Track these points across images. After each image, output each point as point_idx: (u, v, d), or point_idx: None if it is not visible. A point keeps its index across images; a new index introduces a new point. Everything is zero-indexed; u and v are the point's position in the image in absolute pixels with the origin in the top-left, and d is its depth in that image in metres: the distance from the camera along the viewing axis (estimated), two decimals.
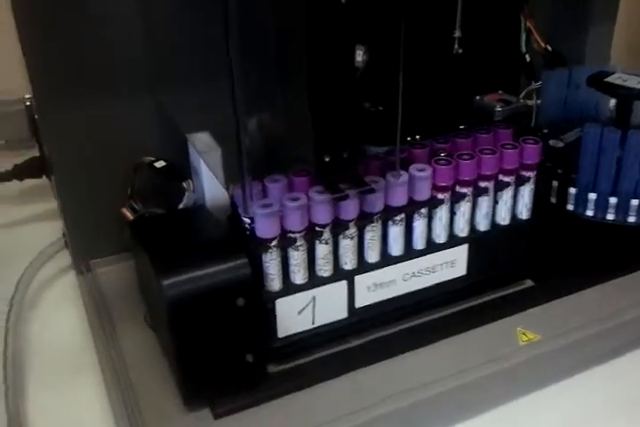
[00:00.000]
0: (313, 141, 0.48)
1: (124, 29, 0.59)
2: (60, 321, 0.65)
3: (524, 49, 0.69)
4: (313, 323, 0.54)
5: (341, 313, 0.55)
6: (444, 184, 0.54)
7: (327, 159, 0.48)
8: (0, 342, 0.60)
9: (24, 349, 0.62)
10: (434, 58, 0.63)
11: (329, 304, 0.53)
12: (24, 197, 0.81)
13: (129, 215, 0.59)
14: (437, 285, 0.58)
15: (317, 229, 0.50)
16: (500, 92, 0.71)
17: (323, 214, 0.50)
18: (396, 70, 0.49)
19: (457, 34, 0.64)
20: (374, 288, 0.55)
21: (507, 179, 0.56)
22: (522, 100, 0.70)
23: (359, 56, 0.49)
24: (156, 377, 0.54)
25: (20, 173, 0.76)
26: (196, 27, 0.55)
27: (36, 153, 0.69)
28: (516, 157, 0.55)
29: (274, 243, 0.49)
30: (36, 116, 0.62)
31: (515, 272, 0.62)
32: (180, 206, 0.59)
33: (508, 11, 0.68)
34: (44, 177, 0.71)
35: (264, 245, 0.49)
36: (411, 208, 0.53)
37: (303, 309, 0.53)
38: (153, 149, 0.62)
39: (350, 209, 0.50)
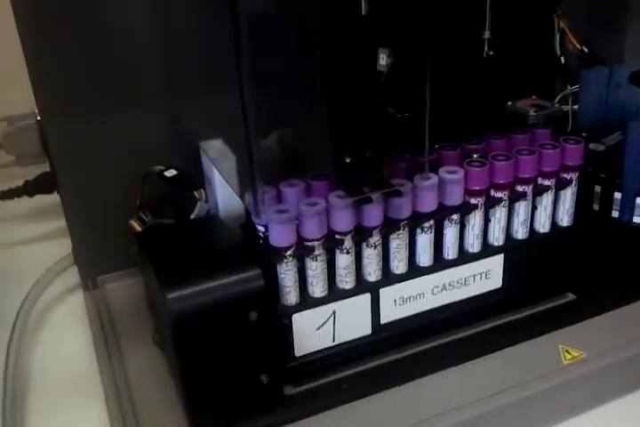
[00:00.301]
0: (331, 140, 0.44)
1: (134, 35, 0.55)
2: (65, 341, 0.61)
3: (558, 51, 0.66)
4: (333, 340, 0.49)
5: (365, 329, 0.50)
6: (477, 188, 0.49)
7: (348, 160, 0.44)
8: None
9: (27, 370, 0.58)
10: (463, 61, 0.60)
11: (351, 320, 0.49)
12: (36, 215, 0.78)
13: (137, 227, 0.56)
14: (470, 298, 0.53)
15: (338, 237, 0.46)
16: (533, 97, 0.68)
17: (343, 221, 0.45)
18: (422, 74, 0.45)
19: (486, 35, 0.61)
20: (401, 302, 0.50)
21: (546, 182, 0.52)
22: (557, 105, 0.66)
23: (382, 59, 0.45)
24: (162, 400, 0.49)
25: (30, 189, 0.73)
26: (211, 31, 0.52)
27: (47, 169, 0.66)
28: (557, 157, 0.51)
29: (289, 252, 0.45)
30: None
31: (554, 285, 0.57)
32: (192, 217, 0.55)
33: (539, 11, 0.65)
34: (56, 193, 0.67)
35: (279, 254, 0.45)
36: (441, 214, 0.49)
37: (322, 324, 0.48)
38: (164, 159, 0.59)
39: (374, 215, 0.46)
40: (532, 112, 0.65)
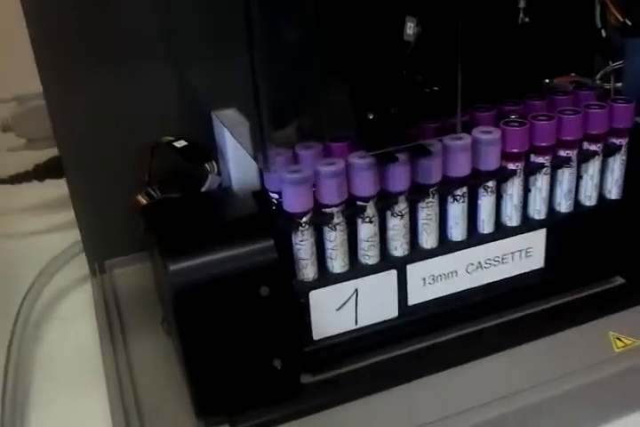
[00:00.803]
0: (350, 95, 0.39)
1: None
2: (72, 331, 0.57)
3: (599, 23, 0.60)
4: (356, 323, 0.44)
5: (391, 312, 0.45)
6: (515, 150, 0.44)
7: (370, 117, 0.39)
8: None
9: (31, 360, 0.54)
10: (497, 33, 0.55)
11: (375, 300, 0.44)
12: (46, 206, 0.75)
13: (143, 202, 0.51)
14: (509, 279, 0.47)
15: (359, 203, 0.41)
16: (572, 74, 0.62)
17: (365, 184, 0.40)
18: (453, 44, 0.41)
19: (522, 4, 0.56)
20: (431, 281, 0.45)
21: (593, 147, 0.46)
22: (598, 82, 0.61)
23: (410, 29, 0.41)
24: (168, 390, 0.45)
25: (40, 173, 0.70)
26: None
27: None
28: (605, 118, 0.45)
29: (305, 219, 0.40)
30: None
31: (602, 267, 0.51)
32: (203, 190, 0.51)
33: None
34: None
35: (294, 221, 0.40)
36: (475, 180, 0.44)
37: (343, 304, 0.43)
38: (174, 130, 0.54)
39: (400, 177, 0.41)
40: None
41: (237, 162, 0.49)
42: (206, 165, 0.51)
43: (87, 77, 0.52)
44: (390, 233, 0.43)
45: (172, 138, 0.53)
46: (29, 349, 0.55)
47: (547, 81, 0.61)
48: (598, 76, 0.60)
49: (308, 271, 0.42)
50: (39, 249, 0.67)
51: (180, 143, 0.53)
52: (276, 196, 0.42)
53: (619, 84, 0.59)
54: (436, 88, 0.49)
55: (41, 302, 0.60)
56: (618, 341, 0.46)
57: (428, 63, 0.43)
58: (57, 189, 0.65)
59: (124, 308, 0.54)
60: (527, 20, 0.55)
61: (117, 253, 0.59)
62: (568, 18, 0.60)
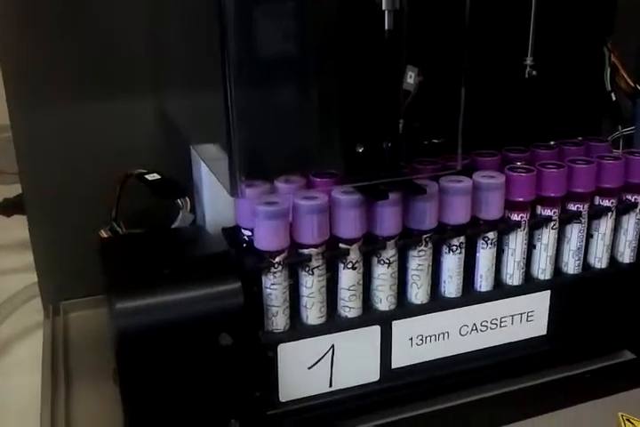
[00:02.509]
0: (340, 125, 0.35)
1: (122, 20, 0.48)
2: (20, 376, 0.51)
3: (608, 86, 0.57)
4: (330, 385, 0.38)
5: (371, 374, 0.39)
6: (520, 199, 0.39)
7: (360, 150, 0.35)
8: None
9: None
10: (503, 94, 0.52)
11: (354, 359, 0.38)
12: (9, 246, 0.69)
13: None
14: (506, 346, 0.42)
15: (342, 245, 0.36)
16: (579, 138, 0.59)
17: (350, 224, 0.36)
18: (455, 100, 0.38)
19: (528, 61, 0.53)
20: (419, 342, 0.40)
21: (606, 202, 0.42)
22: None
23: (410, 78, 0.38)
24: None
25: (7, 208, 0.65)
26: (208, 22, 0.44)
27: None
28: (620, 170, 0.41)
29: (279, 259, 0.35)
30: None
31: (610, 338, 0.46)
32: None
33: (588, 41, 0.57)
34: None
35: (265, 261, 0.35)
36: (474, 230, 0.39)
37: (317, 362, 0.38)
38: (147, 165, 0.50)
39: (390, 220, 0.36)
40: None
41: (213, 199, 0.45)
42: (179, 200, 0.47)
43: (56, 109, 0.49)
44: (376, 283, 0.38)
45: (144, 170, 0.49)
46: None
47: (552, 143, 0.58)
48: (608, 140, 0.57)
49: (279, 321, 0.36)
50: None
51: (153, 176, 0.49)
52: (248, 233, 0.37)
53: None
54: (435, 141, 0.45)
55: None
56: (628, 423, 0.41)
57: (428, 111, 0.40)
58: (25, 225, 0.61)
59: (74, 354, 0.49)
60: (535, 73, 0.52)
61: (75, 295, 0.54)
62: (576, 79, 0.57)
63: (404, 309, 0.39)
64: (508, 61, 0.52)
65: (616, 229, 0.43)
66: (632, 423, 0.41)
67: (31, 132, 0.50)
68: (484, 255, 0.40)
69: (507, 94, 0.51)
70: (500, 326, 0.41)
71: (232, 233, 0.39)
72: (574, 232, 0.42)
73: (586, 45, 0.56)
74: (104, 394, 0.43)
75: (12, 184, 0.65)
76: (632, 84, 0.57)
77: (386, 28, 0.33)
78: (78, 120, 0.50)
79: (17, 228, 0.66)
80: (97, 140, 0.51)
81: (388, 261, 0.37)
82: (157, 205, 0.48)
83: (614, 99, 0.57)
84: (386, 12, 0.32)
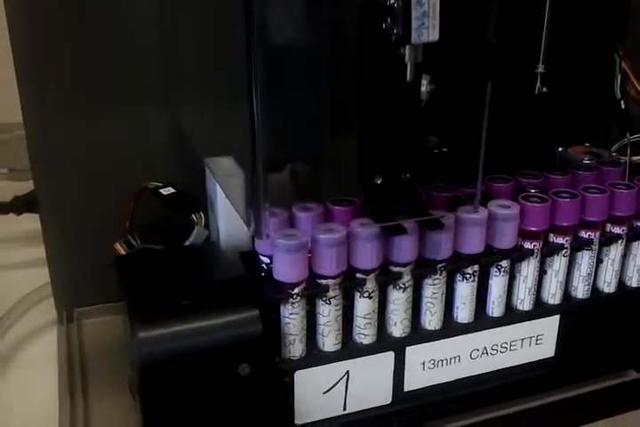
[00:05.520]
0: (359, 156, 0.36)
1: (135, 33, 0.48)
2: (34, 382, 0.51)
3: (618, 94, 0.57)
4: (344, 408, 0.39)
5: (384, 397, 0.40)
6: (534, 229, 0.40)
7: (378, 181, 0.35)
8: None
9: None
10: (512, 98, 0.51)
11: (368, 384, 0.39)
12: (20, 239, 0.69)
13: (121, 251, 0.47)
14: (515, 368, 0.43)
15: (358, 275, 0.37)
16: (586, 144, 0.59)
17: (367, 256, 0.36)
18: (468, 106, 0.38)
19: (540, 69, 0.53)
20: (431, 366, 0.40)
21: (617, 230, 0.42)
22: (614, 155, 0.58)
23: (423, 86, 0.38)
24: None
25: (18, 206, 0.65)
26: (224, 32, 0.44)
27: None
28: (632, 199, 0.42)
29: (297, 290, 0.36)
30: None
31: (615, 359, 0.46)
32: (187, 244, 0.46)
33: (600, 49, 0.57)
34: None
35: (284, 292, 0.36)
36: (488, 259, 0.40)
37: (332, 387, 0.38)
38: (162, 177, 0.50)
39: (406, 249, 0.37)
40: (585, 160, 0.56)
41: (227, 215, 0.45)
42: (193, 215, 0.47)
43: (73, 116, 0.49)
44: (390, 307, 0.39)
45: (159, 184, 0.49)
46: None
47: (559, 149, 0.58)
48: (614, 147, 0.57)
49: (296, 348, 0.37)
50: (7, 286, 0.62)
51: (168, 190, 0.49)
52: (266, 260, 0.38)
53: (635, 158, 0.56)
54: (445, 149, 0.46)
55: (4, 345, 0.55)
56: None
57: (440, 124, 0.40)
58: (35, 223, 0.61)
59: (90, 362, 0.50)
60: (545, 89, 0.52)
61: (89, 301, 0.54)
62: (586, 85, 0.57)
63: (418, 335, 0.40)
64: (518, 70, 0.52)
65: (625, 255, 0.44)
66: None
67: (45, 147, 0.50)
68: (497, 282, 0.41)
69: (518, 105, 0.51)
70: (510, 350, 0.42)
71: (250, 258, 0.39)
72: (585, 258, 0.42)
73: (596, 52, 0.56)
74: (121, 402, 0.44)
75: (25, 181, 0.65)
76: None
77: (407, 79, 0.33)
78: (92, 130, 0.50)
79: (25, 223, 0.67)
80: (112, 151, 0.51)
81: (403, 286, 0.38)
82: (172, 218, 0.48)
83: (623, 106, 0.57)
84: (408, 65, 0.32)
